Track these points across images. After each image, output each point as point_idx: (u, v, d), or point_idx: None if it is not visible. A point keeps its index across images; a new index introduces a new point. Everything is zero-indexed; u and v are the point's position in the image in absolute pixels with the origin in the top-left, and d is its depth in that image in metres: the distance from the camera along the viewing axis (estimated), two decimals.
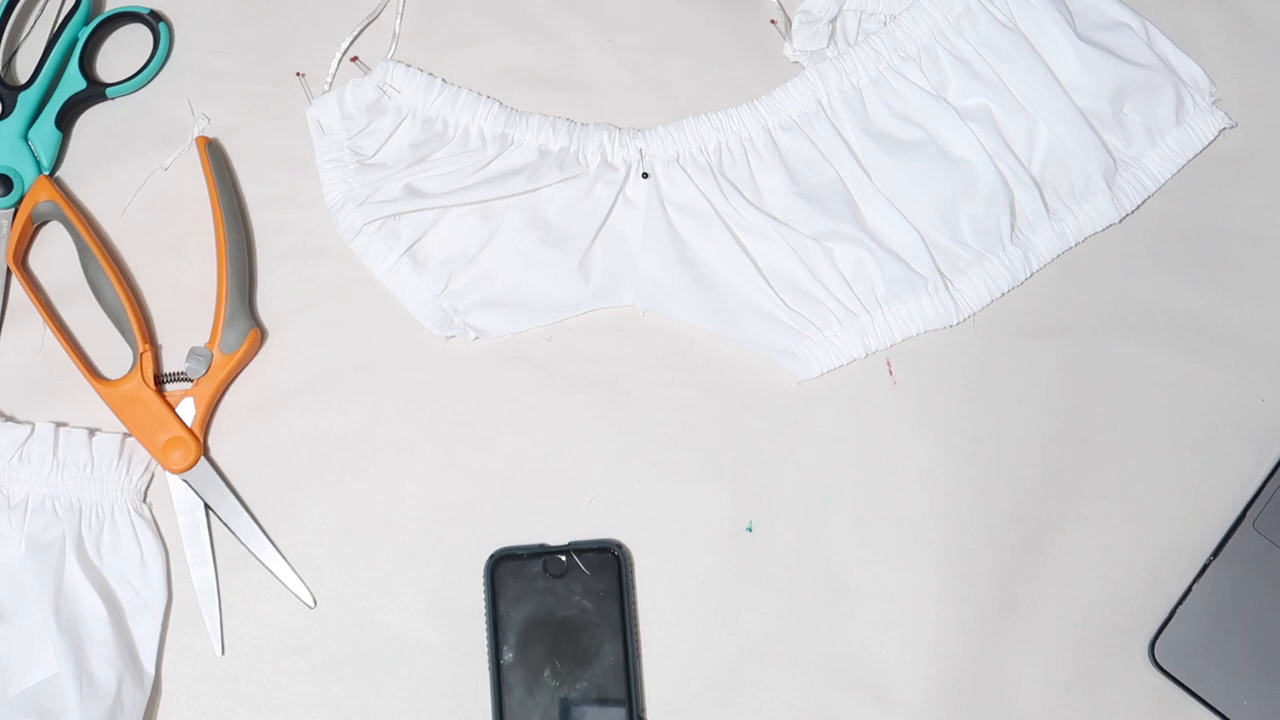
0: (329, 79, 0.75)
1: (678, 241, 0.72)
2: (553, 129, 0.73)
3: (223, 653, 0.68)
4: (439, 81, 0.74)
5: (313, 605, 0.69)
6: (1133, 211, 0.74)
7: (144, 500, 0.69)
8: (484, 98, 0.73)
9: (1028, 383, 0.72)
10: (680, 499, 0.70)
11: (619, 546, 0.68)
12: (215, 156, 0.73)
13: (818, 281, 0.72)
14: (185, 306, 0.72)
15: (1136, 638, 0.69)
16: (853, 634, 0.69)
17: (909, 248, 0.72)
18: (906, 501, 0.70)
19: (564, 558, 0.67)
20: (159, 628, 0.67)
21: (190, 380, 0.70)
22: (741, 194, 0.73)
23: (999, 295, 0.73)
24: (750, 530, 0.70)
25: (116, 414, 0.69)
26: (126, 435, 0.69)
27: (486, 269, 0.72)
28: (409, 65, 0.74)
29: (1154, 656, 0.68)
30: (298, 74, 0.75)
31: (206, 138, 0.74)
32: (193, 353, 0.69)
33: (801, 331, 0.71)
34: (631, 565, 0.68)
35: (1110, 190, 0.73)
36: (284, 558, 0.69)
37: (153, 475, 0.70)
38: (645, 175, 0.72)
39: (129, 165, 0.74)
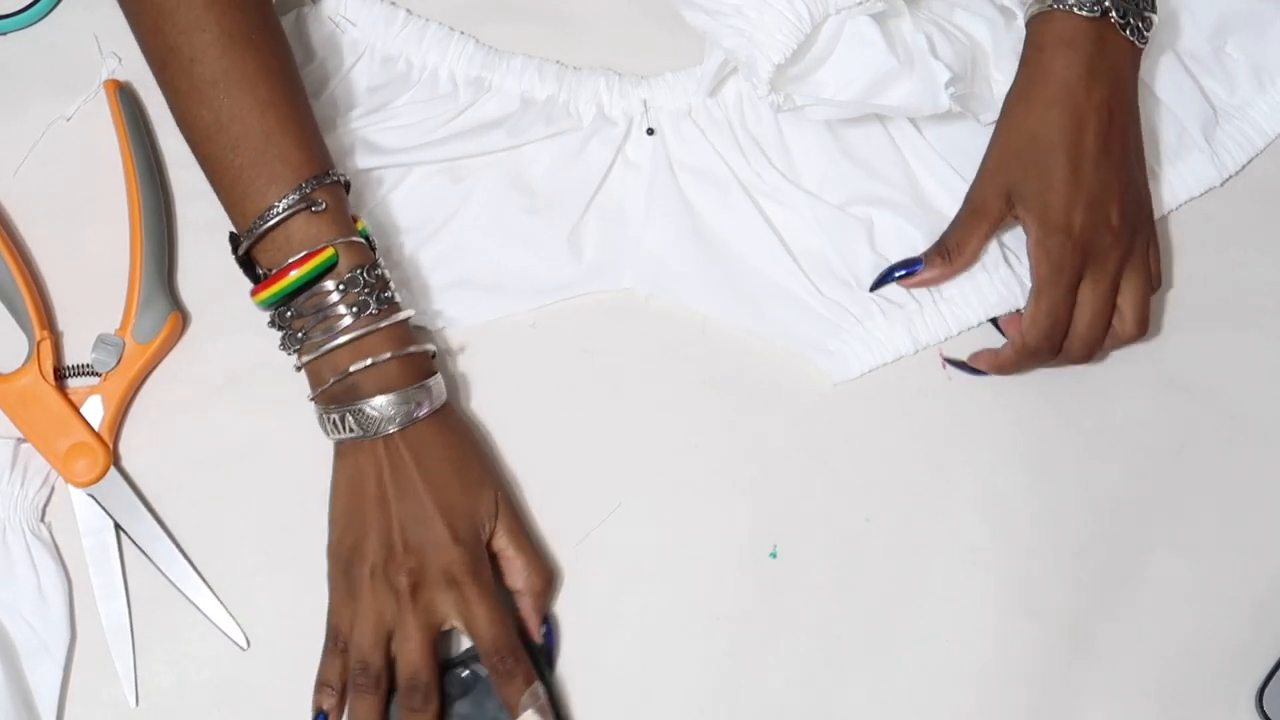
0: None
1: (688, 212, 0.70)
2: (539, 73, 0.71)
3: (137, 703, 0.66)
4: (402, 13, 0.71)
5: (245, 646, 0.67)
6: (1237, 173, 0.73)
7: (41, 519, 0.67)
8: (457, 33, 0.71)
9: (1109, 378, 0.71)
10: (689, 519, 0.68)
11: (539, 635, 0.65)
12: (128, 104, 0.71)
13: (852, 268, 0.70)
14: (92, 285, 0.70)
15: (1241, 686, 0.67)
16: (898, 682, 0.67)
17: None
18: (962, 522, 0.69)
19: (465, 672, 0.63)
20: (60, 673, 0.65)
21: (98, 374, 0.68)
22: (766, 155, 0.71)
23: None
24: (774, 557, 0.68)
25: (8, 415, 0.67)
26: (20, 441, 0.67)
27: (456, 243, 0.70)
28: None
29: (1262, 708, 0.66)
30: None
31: (117, 81, 0.72)
32: (100, 341, 0.68)
33: (838, 323, 0.69)
34: (551, 658, 0.66)
35: (1209, 147, 0.72)
36: (210, 589, 0.67)
37: (52, 489, 0.68)
38: (650, 131, 0.71)
39: (23, 115, 0.73)
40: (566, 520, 0.68)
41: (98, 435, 0.67)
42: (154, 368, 0.69)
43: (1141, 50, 0.66)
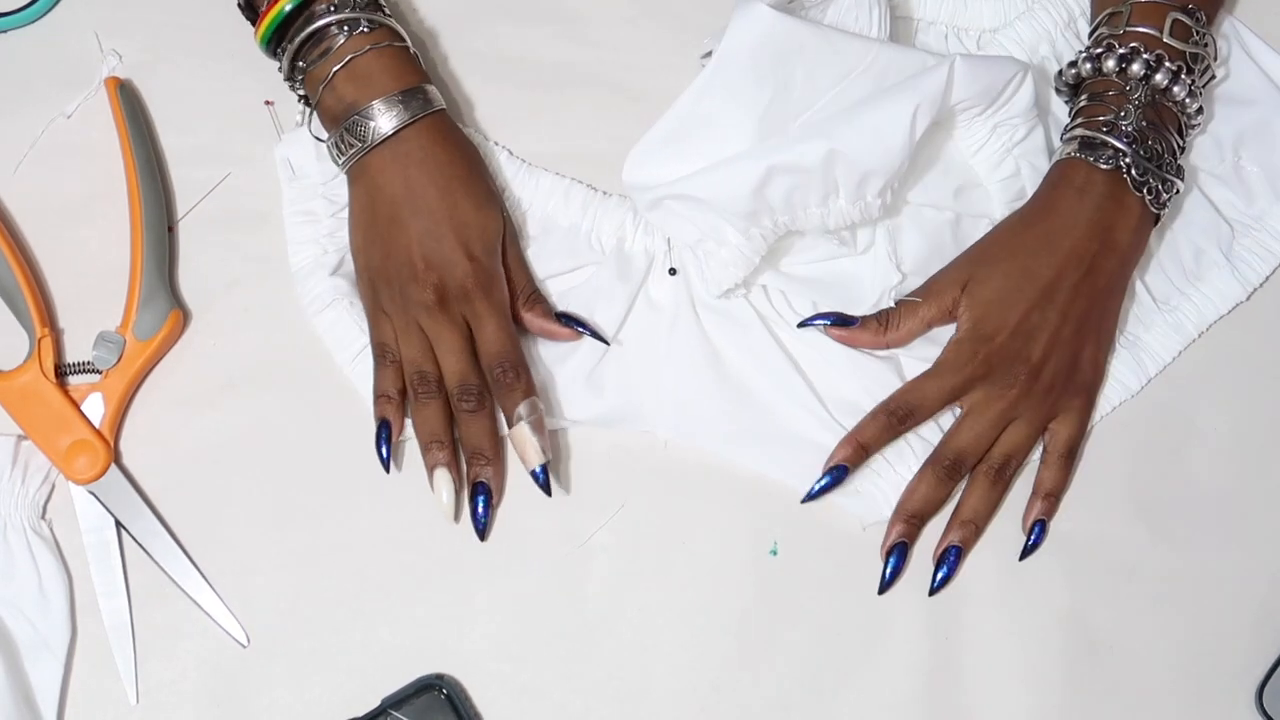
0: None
1: (711, 354, 0.68)
2: (565, 197, 0.69)
3: (137, 700, 0.66)
4: None
5: (245, 644, 0.66)
6: (1260, 285, 0.71)
7: (42, 516, 0.67)
8: (487, 142, 0.70)
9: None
10: (689, 514, 0.68)
11: (439, 680, 0.64)
12: (128, 101, 0.71)
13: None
14: (92, 283, 0.70)
15: (1242, 682, 0.67)
16: (899, 681, 0.66)
17: None
18: None
19: None
20: (61, 670, 0.65)
21: (98, 372, 0.68)
22: (789, 297, 0.69)
23: (1109, 412, 0.69)
24: (774, 554, 0.67)
25: (9, 412, 0.67)
26: (21, 438, 0.67)
27: None
28: None
29: (1262, 705, 0.66)
30: (267, 102, 0.71)
31: (117, 78, 0.72)
32: (101, 339, 0.68)
33: (868, 464, 0.67)
34: (465, 698, 0.65)
35: (1229, 262, 0.69)
36: (211, 586, 0.67)
37: (53, 486, 0.68)
38: (673, 271, 0.68)
39: (23, 112, 0.72)
40: (567, 519, 0.67)
41: (98, 433, 0.67)
42: (155, 365, 0.69)
43: (1155, 217, 0.65)
